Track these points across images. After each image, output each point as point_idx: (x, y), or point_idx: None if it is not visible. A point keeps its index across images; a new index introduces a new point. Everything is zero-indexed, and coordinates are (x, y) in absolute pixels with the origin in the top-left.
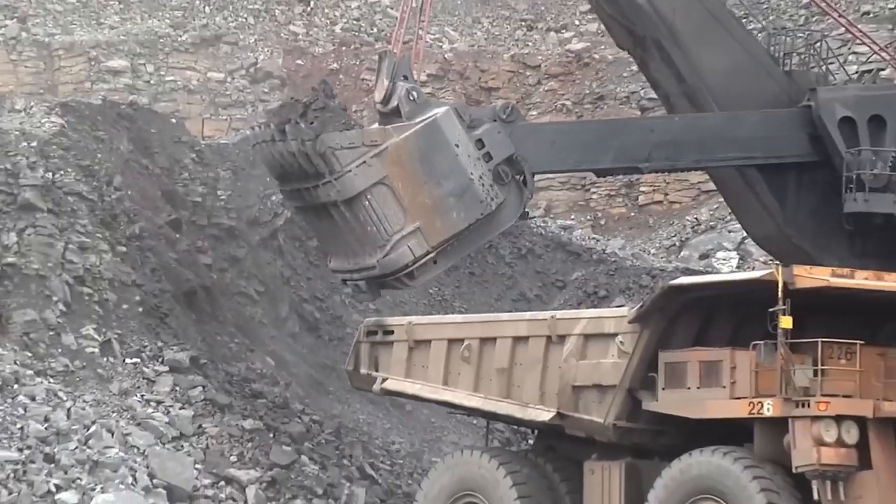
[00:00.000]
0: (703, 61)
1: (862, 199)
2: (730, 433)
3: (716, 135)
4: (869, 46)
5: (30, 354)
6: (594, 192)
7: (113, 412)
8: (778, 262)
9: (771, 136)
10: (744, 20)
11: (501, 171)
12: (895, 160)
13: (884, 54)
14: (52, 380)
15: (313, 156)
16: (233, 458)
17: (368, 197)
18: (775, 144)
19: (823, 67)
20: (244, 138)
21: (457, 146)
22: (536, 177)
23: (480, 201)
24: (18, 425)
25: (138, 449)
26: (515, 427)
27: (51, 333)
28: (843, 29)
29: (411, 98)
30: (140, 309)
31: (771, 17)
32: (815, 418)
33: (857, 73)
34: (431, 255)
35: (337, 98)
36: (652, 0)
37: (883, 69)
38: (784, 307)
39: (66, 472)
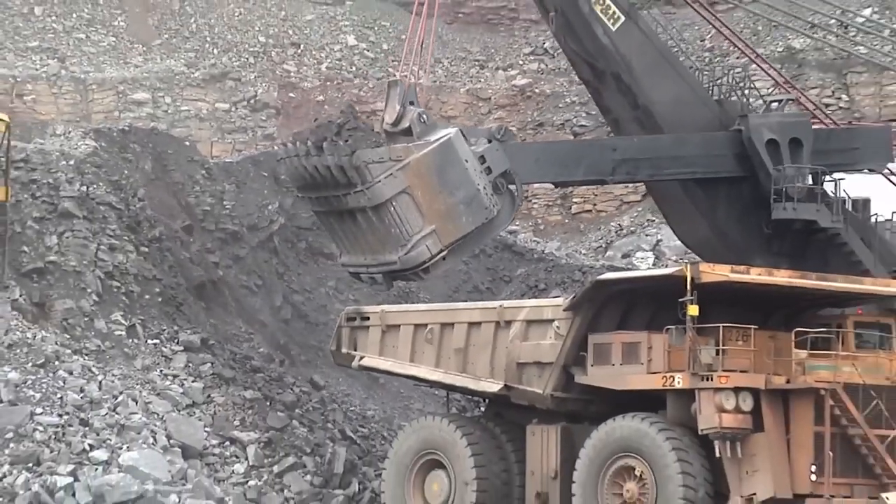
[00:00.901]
0: (653, 92)
1: (791, 207)
2: (647, 402)
3: (665, 153)
4: (775, 80)
5: (68, 336)
6: (535, 203)
7: (137, 384)
8: (687, 261)
9: (709, 154)
10: None
11: (498, 182)
12: (811, 175)
13: (790, 88)
14: (86, 357)
15: (348, 169)
16: (236, 423)
17: (394, 203)
18: (712, 161)
19: (745, 98)
20: (245, 158)
21: (466, 161)
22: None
23: (485, 208)
24: (59, 395)
25: (158, 415)
26: (470, 397)
27: (86, 319)
28: (740, 68)
29: (422, 120)
30: (160, 299)
31: (681, 58)
32: (717, 389)
33: (763, 104)
34: (444, 252)
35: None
36: (614, 42)
37: (792, 100)
38: (692, 298)
39: (98, 434)
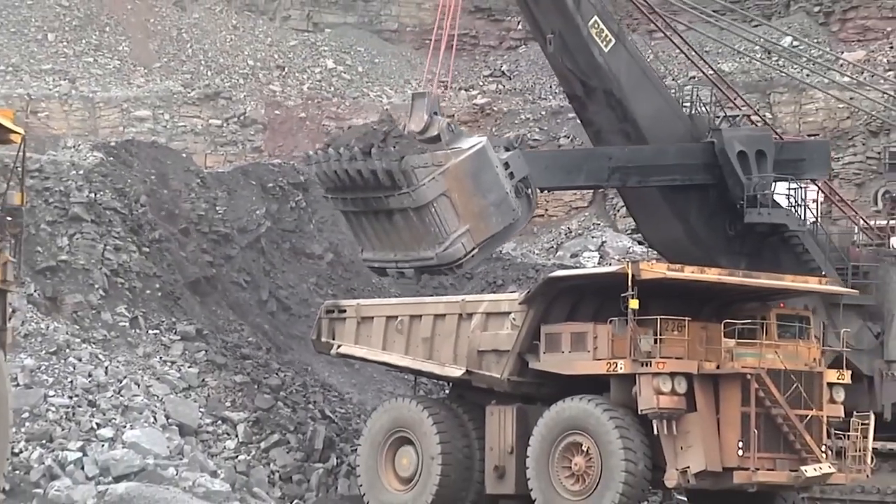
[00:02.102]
0: (638, 107)
1: (766, 212)
2: (593, 385)
3: (650, 162)
4: (729, 98)
5: (78, 327)
6: None
7: (139, 370)
8: (629, 260)
9: (686, 163)
10: None
11: (519, 186)
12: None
13: (744, 107)
14: (94, 346)
15: (396, 172)
16: (227, 404)
17: (435, 205)
18: (688, 170)
19: (714, 114)
20: (236, 168)
21: (496, 167)
22: None
23: (513, 209)
24: (69, 379)
25: (158, 397)
26: (435, 381)
27: (93, 312)
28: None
29: (451, 129)
30: (159, 294)
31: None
32: (655, 374)
33: (721, 118)
34: (475, 249)
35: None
36: (608, 62)
37: (747, 115)
38: (632, 293)
39: (104, 414)
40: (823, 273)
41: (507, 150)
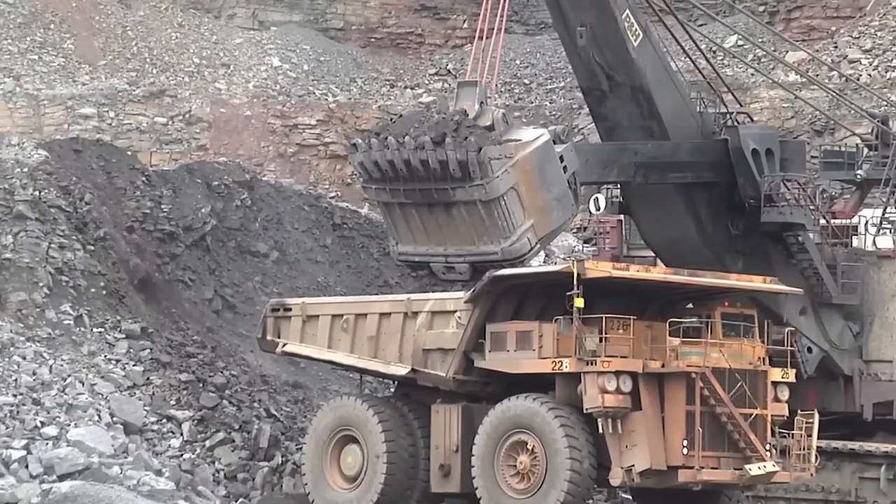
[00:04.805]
0: (661, 103)
1: (788, 211)
2: (538, 384)
3: (669, 158)
4: (721, 98)
5: (22, 325)
6: None
7: (83, 368)
8: (574, 259)
9: (699, 161)
10: None
11: (569, 180)
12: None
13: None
14: (38, 344)
15: (472, 163)
16: (172, 402)
17: (505, 198)
18: (700, 168)
19: (723, 112)
20: (181, 166)
21: (557, 161)
22: None
23: (571, 204)
24: (13, 377)
25: (102, 395)
26: (381, 379)
27: (38, 310)
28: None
29: (505, 120)
30: (104, 292)
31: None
32: (601, 373)
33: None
34: (537, 245)
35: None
36: (638, 56)
37: (744, 113)
38: (578, 292)
39: (48, 413)
40: (816, 271)
41: (554, 142)
